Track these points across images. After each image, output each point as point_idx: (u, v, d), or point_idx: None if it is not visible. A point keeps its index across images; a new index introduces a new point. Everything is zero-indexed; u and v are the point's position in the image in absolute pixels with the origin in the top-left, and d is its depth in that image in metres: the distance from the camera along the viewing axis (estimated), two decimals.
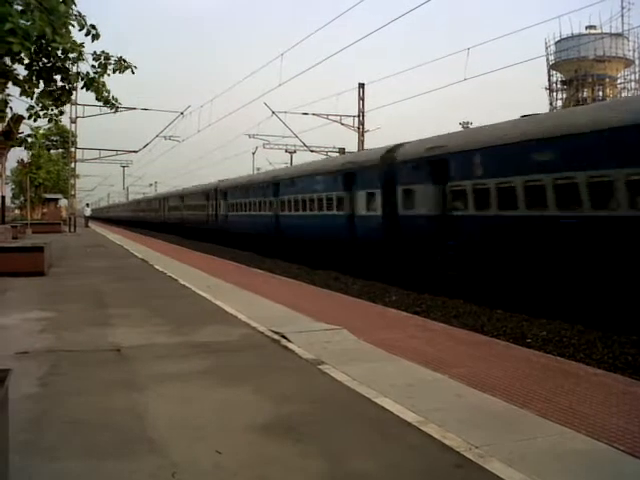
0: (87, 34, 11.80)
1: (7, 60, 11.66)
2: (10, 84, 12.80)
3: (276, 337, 8.27)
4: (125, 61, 13.23)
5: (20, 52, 10.03)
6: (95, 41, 12.01)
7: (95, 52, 13.07)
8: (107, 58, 13.14)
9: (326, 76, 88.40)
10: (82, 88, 13.47)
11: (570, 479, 3.90)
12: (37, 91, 13.22)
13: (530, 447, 4.47)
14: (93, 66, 13.09)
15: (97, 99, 13.80)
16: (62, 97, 13.87)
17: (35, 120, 14.31)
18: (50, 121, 14.83)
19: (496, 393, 5.74)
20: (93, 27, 11.80)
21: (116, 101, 13.98)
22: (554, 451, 4.39)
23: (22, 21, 9.50)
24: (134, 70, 13.30)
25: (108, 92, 13.68)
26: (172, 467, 4.12)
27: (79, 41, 12.25)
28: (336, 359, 7.01)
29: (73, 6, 11.36)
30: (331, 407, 5.50)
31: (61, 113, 14.90)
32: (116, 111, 14.81)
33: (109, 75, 13.16)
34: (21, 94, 12.95)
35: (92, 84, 13.22)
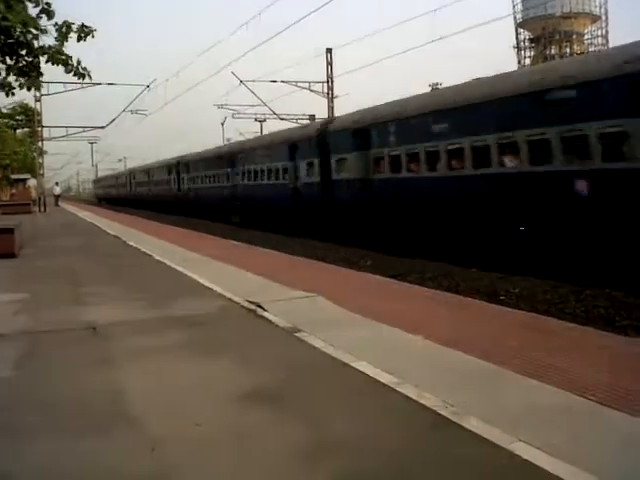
0: (41, 12, 11.50)
1: None
2: None
3: (252, 307, 8.24)
4: (86, 27, 12.91)
5: None
6: (50, 20, 11.76)
7: (57, 23, 12.74)
8: (68, 27, 12.80)
9: (295, 42, 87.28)
10: (47, 62, 13.13)
11: (546, 432, 3.95)
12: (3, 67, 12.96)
13: (507, 403, 4.53)
14: (56, 38, 12.78)
15: (66, 72, 13.45)
16: (31, 72, 13.58)
17: (8, 95, 14.04)
18: (23, 88, 14.43)
19: (473, 352, 5.77)
20: (48, 5, 11.50)
21: (85, 70, 13.62)
22: (530, 406, 4.45)
23: None
24: (94, 35, 13.00)
25: (79, 62, 13.33)
26: (151, 442, 4.10)
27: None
28: (313, 326, 7.01)
29: None
30: (309, 373, 5.52)
31: (37, 88, 14.71)
32: (85, 78, 14.31)
33: (67, 41, 12.86)
34: None
35: (56, 57, 12.89)
